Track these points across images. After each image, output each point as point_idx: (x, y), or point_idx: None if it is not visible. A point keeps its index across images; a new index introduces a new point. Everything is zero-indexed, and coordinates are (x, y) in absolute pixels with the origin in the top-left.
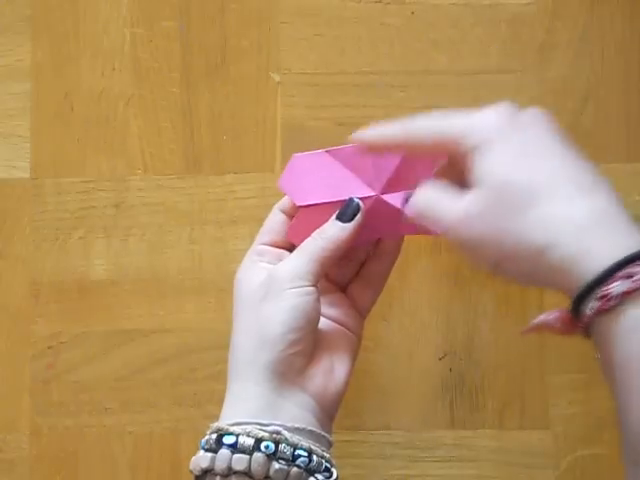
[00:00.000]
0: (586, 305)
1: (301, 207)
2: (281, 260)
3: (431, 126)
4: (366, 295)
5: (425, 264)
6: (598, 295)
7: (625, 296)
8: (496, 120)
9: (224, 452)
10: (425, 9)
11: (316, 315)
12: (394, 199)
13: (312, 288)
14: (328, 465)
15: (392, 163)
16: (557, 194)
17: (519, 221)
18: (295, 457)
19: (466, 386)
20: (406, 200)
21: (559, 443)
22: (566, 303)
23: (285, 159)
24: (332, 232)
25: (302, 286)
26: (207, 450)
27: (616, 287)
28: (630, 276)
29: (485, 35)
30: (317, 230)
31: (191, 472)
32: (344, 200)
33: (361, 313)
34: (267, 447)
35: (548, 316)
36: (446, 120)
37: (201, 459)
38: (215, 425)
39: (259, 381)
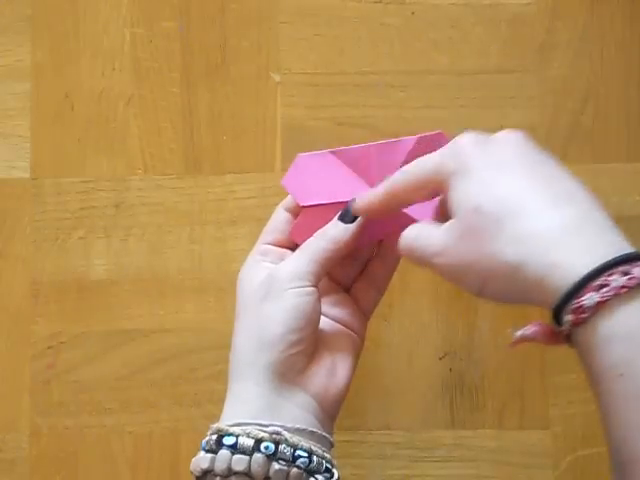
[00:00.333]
0: (562, 318)
1: (304, 207)
2: (284, 260)
3: (408, 175)
4: (370, 295)
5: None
6: (572, 308)
7: (600, 306)
8: (462, 150)
9: (224, 453)
10: (425, 9)
11: (316, 315)
12: None
13: (312, 288)
14: (329, 466)
15: (395, 165)
16: (526, 211)
17: (492, 244)
18: (295, 458)
19: (466, 386)
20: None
21: (559, 443)
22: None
23: (285, 159)
24: (333, 233)
25: (302, 286)
26: (207, 451)
27: (588, 299)
28: (604, 285)
29: (485, 35)
30: (319, 231)
31: (192, 473)
32: (347, 201)
33: (365, 313)
34: (267, 448)
35: (528, 330)
36: (418, 164)
37: (201, 460)
38: (215, 426)
39: (259, 382)
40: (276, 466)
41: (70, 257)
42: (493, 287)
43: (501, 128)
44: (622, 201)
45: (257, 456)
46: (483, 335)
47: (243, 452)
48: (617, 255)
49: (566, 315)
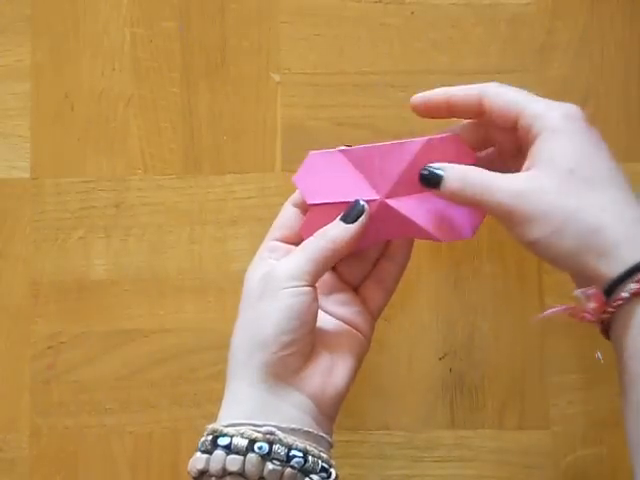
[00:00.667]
0: (623, 287)
1: (312, 205)
2: None
3: (513, 95)
4: (377, 295)
5: (425, 264)
6: (637, 278)
7: None
8: (575, 113)
9: (218, 453)
10: (425, 9)
11: (311, 316)
12: (398, 204)
13: (308, 288)
14: (326, 465)
15: (398, 168)
16: (612, 193)
17: (578, 201)
18: (290, 458)
19: (466, 386)
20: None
21: (559, 443)
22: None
23: (285, 159)
24: (334, 232)
25: (297, 286)
26: (203, 451)
27: None
28: None
29: (485, 35)
30: (319, 230)
31: (189, 474)
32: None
33: (372, 314)
34: (261, 448)
35: (555, 309)
36: (528, 96)
37: (197, 460)
38: (211, 426)
39: (254, 382)
40: (270, 466)
41: (70, 257)
42: (556, 242)
43: None
44: None
45: (251, 456)
46: (483, 335)
47: (237, 452)
48: None
49: (631, 283)
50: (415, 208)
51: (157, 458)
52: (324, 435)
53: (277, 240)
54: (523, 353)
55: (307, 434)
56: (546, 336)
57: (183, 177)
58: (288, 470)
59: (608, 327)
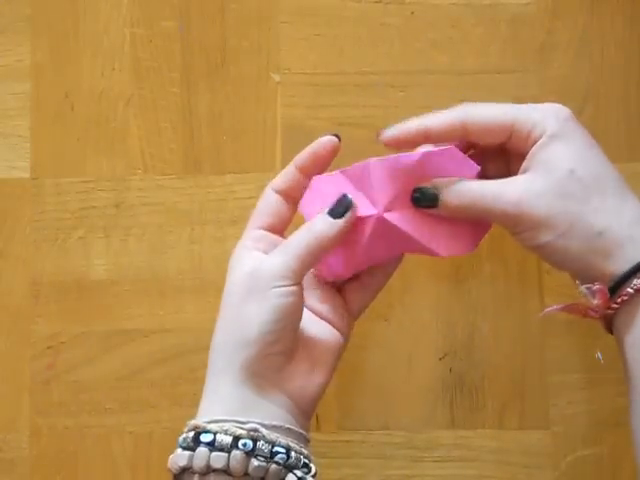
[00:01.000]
0: (629, 284)
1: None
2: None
3: (497, 109)
4: (360, 298)
5: (425, 264)
6: None
7: None
8: (569, 118)
9: (202, 450)
10: (425, 9)
11: (297, 316)
12: (396, 219)
13: (295, 288)
14: (307, 461)
15: (395, 183)
16: (611, 192)
17: (581, 205)
18: (273, 454)
19: (466, 386)
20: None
21: (559, 443)
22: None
23: (285, 159)
24: (320, 228)
25: (285, 286)
26: (185, 448)
27: None
28: None
29: (485, 35)
30: (306, 223)
31: (169, 471)
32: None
33: (352, 314)
34: (245, 445)
35: (559, 306)
36: (512, 106)
37: (179, 457)
38: (192, 423)
39: (235, 379)
40: (255, 463)
41: (70, 257)
42: (562, 245)
43: None
44: None
45: (235, 453)
46: (483, 335)
47: (221, 449)
48: None
49: (636, 280)
50: (414, 223)
51: (157, 458)
52: (302, 432)
53: (261, 228)
54: (523, 353)
55: (288, 431)
56: (546, 336)
57: (183, 177)
58: (273, 466)
59: (611, 323)
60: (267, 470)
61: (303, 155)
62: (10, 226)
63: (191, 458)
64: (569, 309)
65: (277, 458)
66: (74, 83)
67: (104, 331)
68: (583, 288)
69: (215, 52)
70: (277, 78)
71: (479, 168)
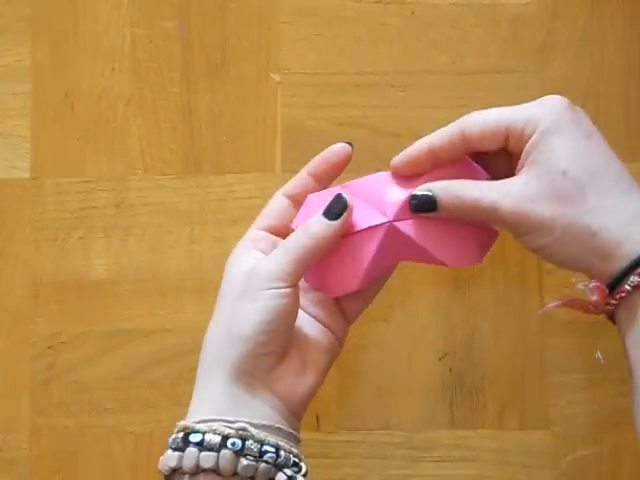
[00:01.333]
0: (626, 281)
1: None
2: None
3: (490, 116)
4: (355, 303)
5: (425, 265)
6: (639, 271)
7: None
8: (563, 110)
9: (191, 450)
10: (425, 9)
11: (291, 317)
12: (406, 227)
13: (290, 289)
14: (297, 460)
15: (402, 194)
16: (609, 189)
17: (575, 207)
18: (262, 453)
19: (466, 386)
20: (414, 201)
21: (559, 443)
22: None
23: (285, 159)
24: (316, 229)
25: (279, 287)
26: (174, 449)
27: None
28: None
29: (485, 35)
30: (302, 225)
31: (160, 472)
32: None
33: (347, 318)
34: (234, 444)
35: (560, 302)
36: (507, 108)
37: (169, 458)
38: (182, 423)
39: (225, 378)
40: (244, 462)
41: (70, 257)
42: (560, 247)
43: None
44: None
45: (224, 452)
46: (483, 335)
47: (210, 449)
48: None
49: (633, 277)
50: (422, 232)
51: (157, 458)
52: (293, 431)
53: (263, 230)
54: (523, 353)
55: (278, 430)
56: (546, 336)
57: (183, 177)
58: (262, 465)
59: (612, 317)
60: (256, 469)
61: (315, 162)
62: (10, 226)
63: (180, 458)
64: (570, 304)
65: (266, 457)
66: (74, 83)
67: (104, 331)
68: (581, 285)
69: (215, 52)
70: (277, 78)
71: (489, 177)
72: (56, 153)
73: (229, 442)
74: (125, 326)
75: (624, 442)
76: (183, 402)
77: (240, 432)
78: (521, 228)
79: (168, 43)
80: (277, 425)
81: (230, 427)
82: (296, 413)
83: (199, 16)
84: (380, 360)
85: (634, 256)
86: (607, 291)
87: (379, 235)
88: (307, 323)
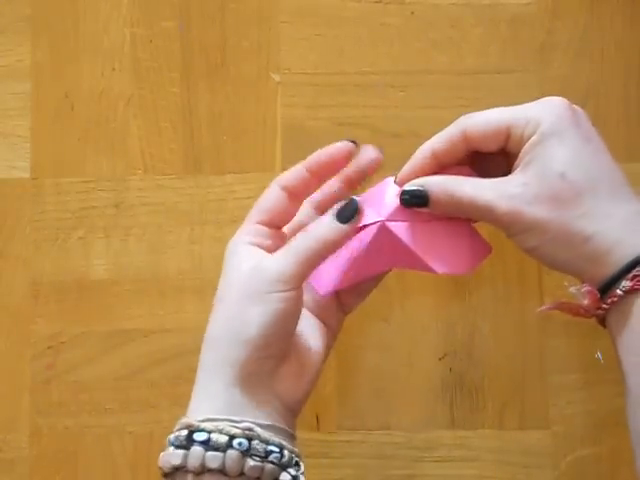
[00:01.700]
0: (618, 285)
1: None
2: (276, 245)
3: (495, 115)
4: (351, 297)
5: None
6: (631, 276)
7: None
8: (564, 111)
9: (197, 449)
10: (425, 9)
11: (295, 319)
12: (398, 229)
13: (294, 292)
14: (297, 459)
15: (396, 199)
16: (604, 194)
17: (570, 211)
18: (268, 453)
19: (466, 386)
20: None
21: (558, 443)
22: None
23: (285, 159)
24: (325, 232)
25: (285, 290)
26: (177, 447)
27: None
28: None
29: (485, 35)
30: (311, 224)
31: (160, 469)
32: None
33: (343, 310)
34: (240, 444)
35: (553, 304)
36: (508, 108)
37: (172, 456)
38: (184, 421)
39: (227, 378)
40: (251, 462)
41: (70, 257)
42: (552, 249)
43: None
44: None
45: (231, 453)
46: (483, 335)
47: (216, 449)
48: None
49: (625, 282)
50: (413, 235)
51: (157, 458)
52: (290, 430)
53: (260, 224)
54: (523, 353)
55: (280, 430)
56: (546, 337)
57: (183, 177)
58: (269, 466)
59: (604, 320)
60: (262, 469)
61: (314, 156)
62: (10, 226)
63: (185, 457)
64: (561, 307)
65: (272, 457)
66: (74, 83)
67: (104, 331)
68: (573, 289)
69: (215, 52)
70: (277, 78)
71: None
72: (56, 153)
73: (235, 442)
74: (125, 326)
75: (624, 442)
76: (183, 402)
77: (246, 432)
78: (515, 228)
79: (168, 43)
80: (278, 424)
81: (236, 427)
82: (293, 410)
83: (199, 16)
84: (380, 360)
85: (626, 261)
86: (598, 295)
87: (371, 233)
88: (304, 318)
